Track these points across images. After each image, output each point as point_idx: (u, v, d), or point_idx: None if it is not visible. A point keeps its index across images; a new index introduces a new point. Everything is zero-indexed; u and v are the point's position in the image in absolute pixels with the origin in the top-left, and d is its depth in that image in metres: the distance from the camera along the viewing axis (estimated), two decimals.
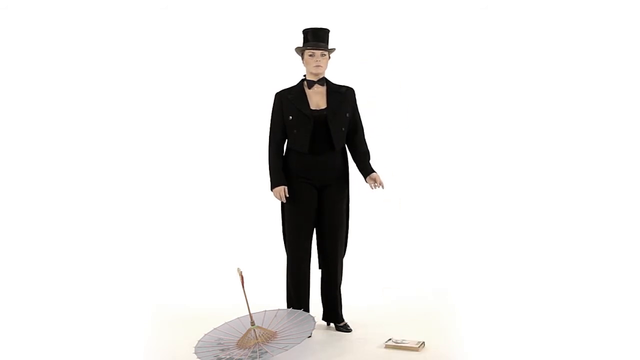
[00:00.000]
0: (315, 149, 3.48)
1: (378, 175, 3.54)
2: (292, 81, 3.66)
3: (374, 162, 3.63)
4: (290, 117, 3.50)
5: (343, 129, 3.51)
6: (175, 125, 5.67)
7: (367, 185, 3.58)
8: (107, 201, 5.50)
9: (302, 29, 3.53)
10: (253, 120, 5.53)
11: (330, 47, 3.54)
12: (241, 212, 5.52)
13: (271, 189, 3.55)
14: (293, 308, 3.51)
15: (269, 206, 5.43)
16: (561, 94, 5.43)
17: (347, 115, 3.53)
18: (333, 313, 3.68)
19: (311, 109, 3.49)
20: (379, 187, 3.55)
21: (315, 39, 3.48)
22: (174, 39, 5.61)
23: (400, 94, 5.51)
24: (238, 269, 3.27)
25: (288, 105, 3.52)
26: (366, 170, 3.56)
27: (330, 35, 3.56)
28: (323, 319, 3.73)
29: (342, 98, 3.53)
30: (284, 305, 3.66)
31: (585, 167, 5.32)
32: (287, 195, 3.51)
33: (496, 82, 5.50)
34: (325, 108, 3.49)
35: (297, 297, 3.58)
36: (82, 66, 5.51)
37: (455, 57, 5.53)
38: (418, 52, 5.55)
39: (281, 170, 3.53)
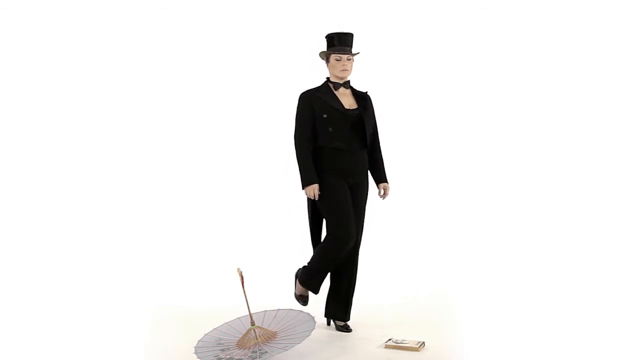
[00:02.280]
0: (351, 147, 3.52)
1: (388, 188, 3.70)
2: (294, 80, 3.67)
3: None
4: (325, 115, 3.49)
5: (371, 129, 3.59)
6: (176, 126, 5.67)
7: (376, 189, 3.72)
8: (108, 202, 5.51)
9: (326, 34, 3.53)
10: (254, 121, 5.58)
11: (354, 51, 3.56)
12: (241, 213, 5.52)
13: (303, 187, 3.52)
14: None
15: (269, 206, 5.47)
16: (561, 93, 5.44)
17: (372, 118, 3.63)
18: (343, 310, 3.67)
19: (346, 108, 3.52)
20: (383, 197, 3.72)
21: (342, 44, 3.50)
22: (174, 39, 5.61)
23: (400, 93, 5.51)
24: (238, 269, 3.27)
25: (320, 103, 3.51)
26: (381, 177, 3.69)
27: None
28: (328, 315, 3.71)
29: (368, 102, 3.61)
30: (284, 305, 3.66)
31: (585, 166, 5.33)
32: (320, 193, 3.49)
33: (496, 82, 5.51)
34: (357, 108, 3.55)
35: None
36: (82, 66, 5.52)
37: (456, 57, 5.54)
38: (418, 52, 5.56)
39: (313, 167, 3.51)
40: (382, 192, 3.70)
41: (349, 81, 3.60)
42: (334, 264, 3.53)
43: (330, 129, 3.48)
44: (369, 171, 3.68)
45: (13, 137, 5.41)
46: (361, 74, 3.80)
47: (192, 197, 5.64)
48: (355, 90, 3.63)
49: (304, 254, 3.68)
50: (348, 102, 3.56)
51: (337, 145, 3.49)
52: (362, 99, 3.60)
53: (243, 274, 3.25)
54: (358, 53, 3.56)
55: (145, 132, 5.63)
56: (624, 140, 5.32)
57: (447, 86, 5.58)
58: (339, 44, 3.50)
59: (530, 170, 5.45)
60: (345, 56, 3.50)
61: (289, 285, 4.39)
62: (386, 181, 3.70)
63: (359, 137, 3.53)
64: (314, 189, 3.48)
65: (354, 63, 3.57)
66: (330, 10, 5.38)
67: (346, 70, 3.52)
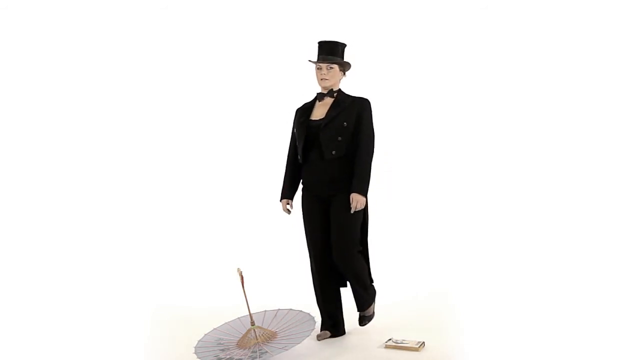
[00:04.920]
0: (309, 159, 3.44)
1: (357, 200, 3.32)
2: (295, 79, 3.66)
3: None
4: (295, 130, 3.54)
5: (339, 138, 3.37)
6: (176, 126, 5.67)
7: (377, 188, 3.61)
8: (108, 202, 5.50)
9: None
10: (254, 121, 5.58)
11: (346, 60, 3.46)
12: (241, 213, 5.52)
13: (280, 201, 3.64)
14: (323, 323, 3.57)
15: (269, 207, 5.46)
16: (561, 93, 5.43)
17: (345, 124, 3.37)
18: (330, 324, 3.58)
19: (310, 120, 3.46)
20: (353, 209, 3.35)
21: (322, 52, 3.44)
22: (174, 39, 5.61)
23: (400, 94, 5.51)
24: (238, 269, 3.27)
25: (296, 118, 3.55)
26: (353, 186, 3.34)
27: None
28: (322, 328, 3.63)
29: (344, 107, 3.41)
30: (284, 305, 3.66)
31: (584, 166, 5.33)
32: (291, 209, 3.59)
33: (496, 82, 5.50)
34: (324, 118, 3.42)
35: (325, 313, 3.56)
36: (82, 66, 5.52)
37: (456, 57, 5.53)
38: (418, 52, 5.55)
39: (289, 183, 3.59)
40: (351, 203, 3.33)
41: (332, 90, 3.46)
42: (321, 293, 3.55)
43: (297, 142, 3.50)
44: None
45: (13, 137, 5.41)
46: (362, 75, 3.79)
47: (192, 197, 5.64)
48: (342, 97, 3.46)
49: (304, 254, 3.68)
50: (319, 113, 3.46)
51: (299, 159, 3.49)
52: (341, 104, 3.41)
53: (243, 274, 3.25)
54: (346, 62, 3.45)
55: (146, 133, 5.63)
56: (624, 140, 5.31)
57: (447, 86, 5.58)
58: (319, 52, 3.45)
59: (530, 171, 5.44)
60: (324, 65, 3.41)
61: (289, 286, 4.40)
62: (357, 192, 3.31)
63: (317, 148, 3.39)
64: (283, 204, 3.60)
65: (341, 72, 3.46)
66: (329, 10, 5.38)
67: (325, 79, 3.42)
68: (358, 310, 3.58)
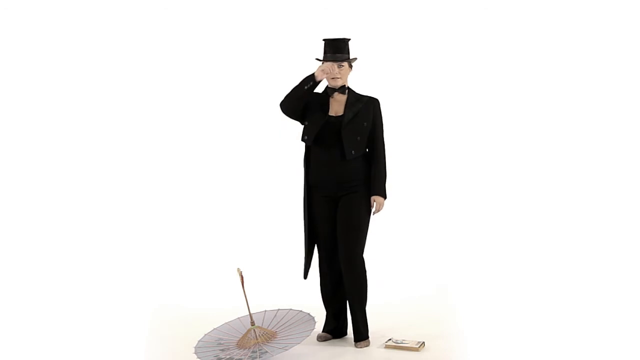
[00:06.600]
0: (326, 157, 3.38)
1: (379, 203, 3.41)
2: (294, 80, 3.65)
3: None
4: (306, 123, 3.43)
5: (358, 138, 3.36)
6: (176, 126, 5.67)
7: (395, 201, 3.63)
8: (108, 202, 5.50)
9: (323, 39, 3.46)
10: (254, 121, 5.57)
11: (352, 56, 3.44)
12: (241, 212, 5.52)
13: (314, 74, 3.38)
14: (327, 324, 3.55)
15: (269, 206, 5.47)
16: (561, 93, 5.44)
17: (365, 124, 3.38)
18: (337, 326, 3.56)
19: (329, 115, 3.40)
20: (373, 213, 3.44)
21: (332, 50, 3.39)
22: (174, 39, 5.61)
23: (400, 94, 5.51)
24: (238, 269, 3.27)
25: (309, 110, 3.43)
26: (374, 188, 3.40)
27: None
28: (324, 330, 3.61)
29: (362, 107, 3.40)
30: (284, 305, 3.66)
31: (584, 166, 5.33)
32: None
33: (496, 82, 5.50)
34: (342, 115, 3.39)
35: (332, 313, 3.55)
36: (82, 66, 5.51)
37: (456, 57, 5.53)
38: (418, 52, 5.55)
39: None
40: (372, 207, 3.41)
41: (343, 87, 3.44)
42: (324, 295, 3.55)
43: (305, 137, 3.42)
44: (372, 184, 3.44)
45: (13, 138, 5.41)
46: (362, 75, 3.78)
47: (192, 197, 5.63)
48: (355, 95, 3.46)
49: (304, 254, 3.67)
50: (336, 109, 3.41)
51: (312, 157, 3.43)
52: (358, 103, 3.41)
53: (243, 274, 3.25)
54: (349, 59, 3.42)
55: (146, 133, 5.62)
56: (624, 140, 5.31)
57: (447, 86, 5.57)
58: (329, 50, 3.40)
59: (530, 170, 5.44)
60: (335, 64, 3.37)
61: (289, 285, 4.39)
62: (379, 194, 3.38)
63: (338, 147, 3.34)
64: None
65: (349, 68, 3.43)
66: (333, 10, 5.38)
67: (336, 78, 3.38)
68: (356, 341, 3.45)
